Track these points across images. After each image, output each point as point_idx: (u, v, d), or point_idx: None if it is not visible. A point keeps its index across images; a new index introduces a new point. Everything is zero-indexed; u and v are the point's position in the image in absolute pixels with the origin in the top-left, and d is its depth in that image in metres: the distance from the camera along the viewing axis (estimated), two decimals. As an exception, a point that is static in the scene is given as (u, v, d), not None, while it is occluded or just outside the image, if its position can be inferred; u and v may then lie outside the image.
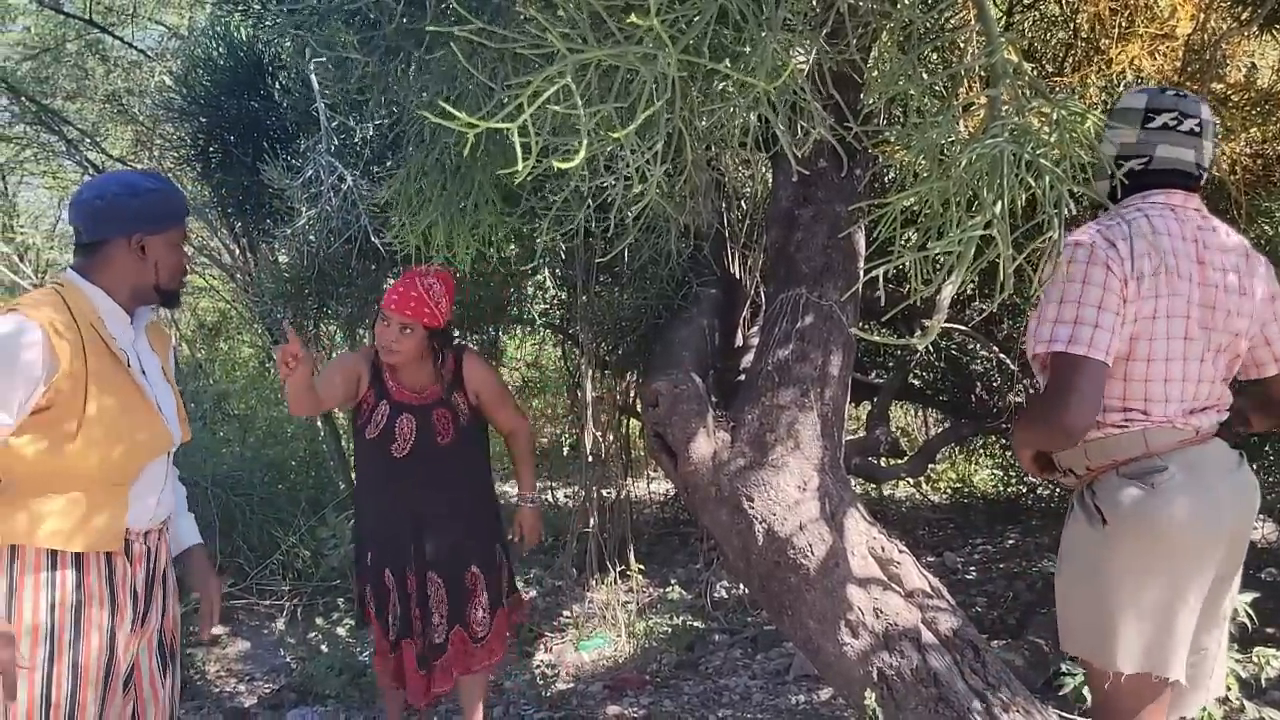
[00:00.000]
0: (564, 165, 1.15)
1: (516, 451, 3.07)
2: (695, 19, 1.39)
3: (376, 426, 2.78)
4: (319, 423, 6.52)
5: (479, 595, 2.88)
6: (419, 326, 2.70)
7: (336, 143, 3.09)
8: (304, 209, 2.95)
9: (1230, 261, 1.88)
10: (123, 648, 1.99)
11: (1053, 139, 1.17)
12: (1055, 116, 1.18)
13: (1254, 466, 3.60)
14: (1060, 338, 1.69)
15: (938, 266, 1.31)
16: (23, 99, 5.69)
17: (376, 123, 3.14)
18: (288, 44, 3.75)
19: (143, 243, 2.00)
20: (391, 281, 3.23)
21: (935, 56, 1.68)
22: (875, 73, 1.62)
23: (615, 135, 1.20)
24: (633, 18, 1.16)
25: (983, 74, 1.41)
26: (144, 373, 2.06)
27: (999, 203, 1.18)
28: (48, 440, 1.85)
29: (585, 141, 1.24)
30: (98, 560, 1.94)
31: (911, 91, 1.43)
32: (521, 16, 1.64)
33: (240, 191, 4.38)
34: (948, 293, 1.23)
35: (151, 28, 6.48)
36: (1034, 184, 1.18)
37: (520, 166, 1.20)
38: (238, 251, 6.52)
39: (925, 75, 1.43)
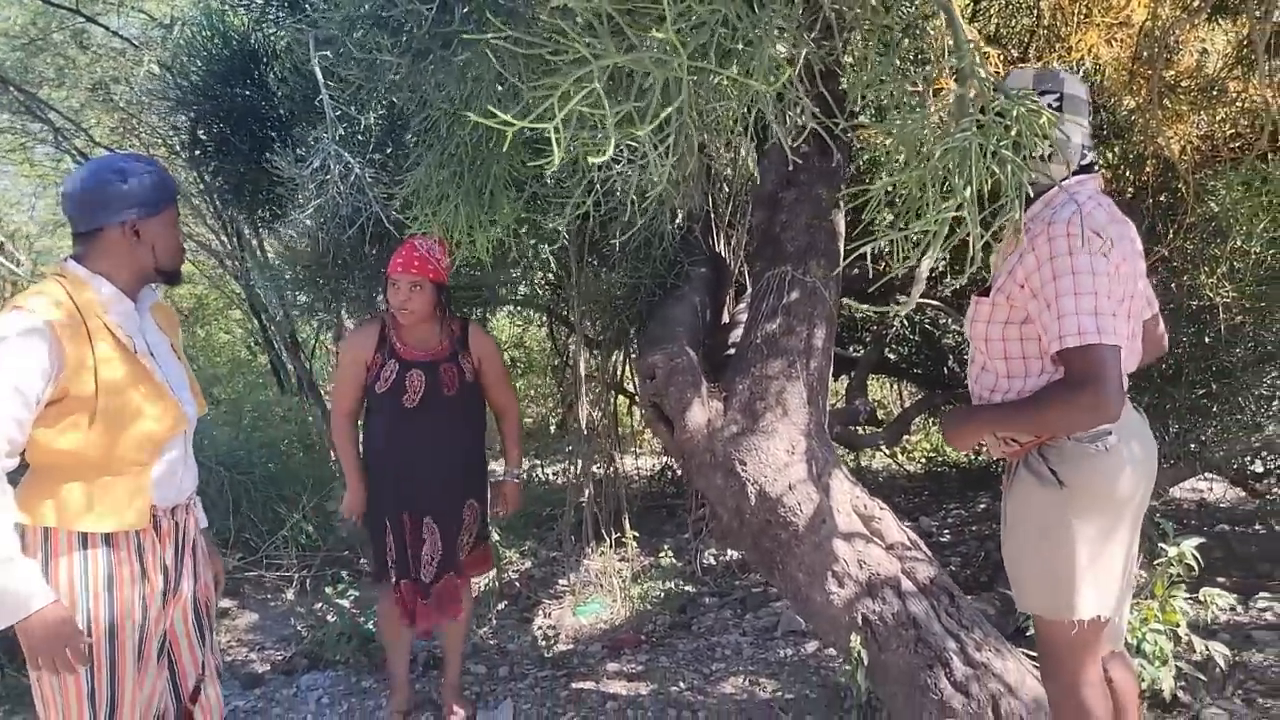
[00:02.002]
0: (597, 159, 1.34)
1: (507, 428, 3.33)
2: (701, 26, 1.58)
3: (386, 381, 3.02)
4: (305, 406, 6.70)
5: (472, 526, 3.20)
6: (426, 282, 2.97)
7: (341, 131, 3.24)
8: (313, 196, 3.09)
9: (1134, 233, 2.06)
10: (155, 619, 2.10)
11: (1013, 133, 1.37)
12: (1015, 113, 1.38)
13: (1206, 425, 3.86)
14: (1089, 329, 1.79)
15: (915, 244, 1.51)
16: (11, 88, 5.76)
17: (379, 113, 3.29)
18: (282, 36, 3.87)
19: (136, 226, 2.05)
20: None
21: (913, 56, 1.87)
22: (857, 69, 1.81)
23: (638, 131, 1.39)
24: (654, 32, 1.35)
25: (953, 73, 1.61)
26: (152, 353, 2.13)
27: (968, 188, 1.38)
28: (66, 430, 1.93)
29: (611, 133, 1.42)
30: (128, 538, 2.04)
31: (891, 90, 1.62)
32: (539, 21, 1.81)
33: (236, 179, 4.49)
34: (926, 265, 1.43)
35: (134, 15, 6.54)
36: (998, 171, 1.38)
37: (556, 157, 1.38)
38: (224, 238, 6.62)
39: (903, 75, 1.63)
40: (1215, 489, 5.64)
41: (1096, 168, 2.08)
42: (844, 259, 3.17)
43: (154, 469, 2.09)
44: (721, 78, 1.73)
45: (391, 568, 3.09)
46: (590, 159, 1.34)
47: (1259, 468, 5.08)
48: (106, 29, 6.09)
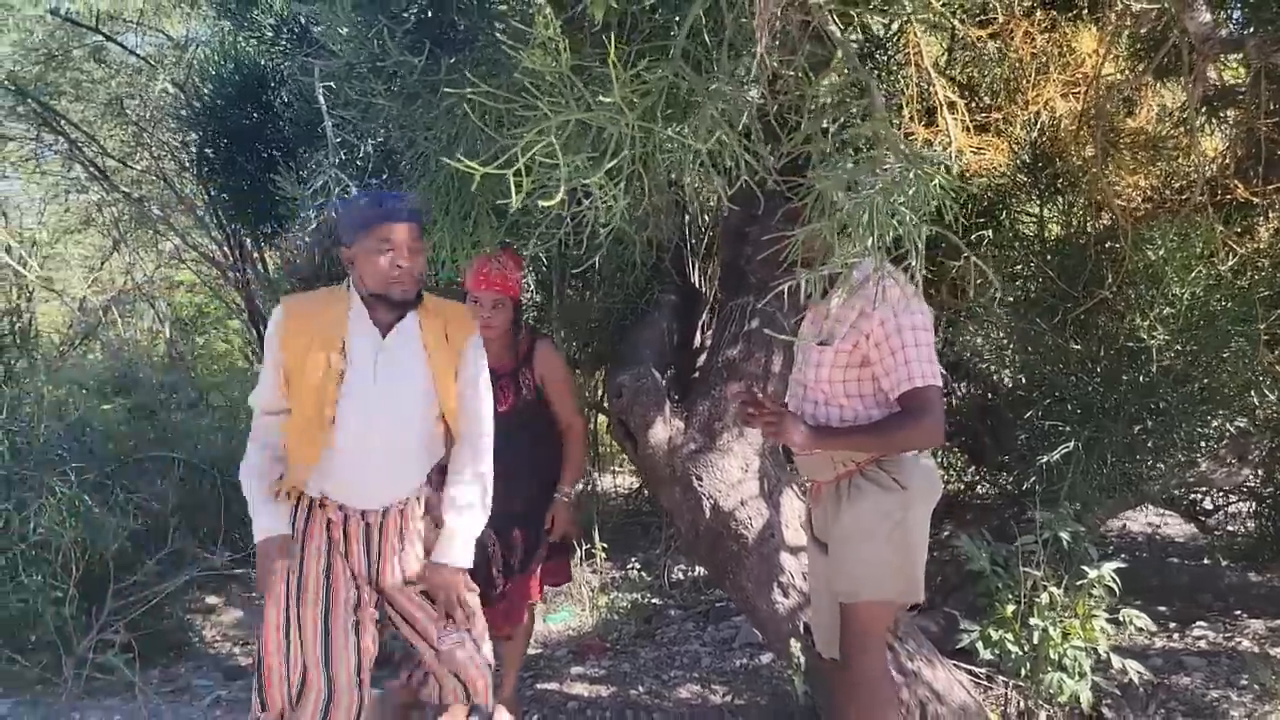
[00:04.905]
0: (547, 203, 1.57)
1: (567, 447, 3.16)
2: (649, 93, 1.81)
3: None
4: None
5: (513, 555, 3.06)
6: (507, 300, 2.96)
7: (341, 156, 3.48)
8: (313, 216, 3.32)
9: None
10: (337, 589, 2.39)
11: (910, 192, 1.60)
12: (911, 175, 1.60)
13: (1143, 459, 4.06)
14: (934, 375, 2.25)
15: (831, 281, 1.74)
16: (30, 100, 6.02)
17: (376, 141, 3.53)
18: (289, 64, 4.12)
19: (350, 254, 2.39)
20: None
21: (841, 118, 2.11)
22: (797, 124, 2.05)
23: (590, 180, 1.62)
24: (601, 97, 1.58)
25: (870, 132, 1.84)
26: (375, 376, 2.35)
27: (870, 238, 1.61)
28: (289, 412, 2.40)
29: (563, 181, 1.66)
30: (312, 507, 2.43)
31: (824, 148, 1.86)
32: (517, 76, 2.05)
33: (241, 196, 4.72)
34: (835, 303, 1.65)
35: (151, 34, 6.82)
36: (897, 226, 1.61)
37: (515, 200, 1.62)
38: (227, 250, 6.86)
39: (830, 137, 1.86)
40: (1170, 523, 5.85)
41: None
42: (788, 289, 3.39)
43: (317, 467, 2.36)
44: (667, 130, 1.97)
45: None
46: (541, 203, 1.57)
47: (1209, 504, 5.30)
48: (123, 46, 6.35)
